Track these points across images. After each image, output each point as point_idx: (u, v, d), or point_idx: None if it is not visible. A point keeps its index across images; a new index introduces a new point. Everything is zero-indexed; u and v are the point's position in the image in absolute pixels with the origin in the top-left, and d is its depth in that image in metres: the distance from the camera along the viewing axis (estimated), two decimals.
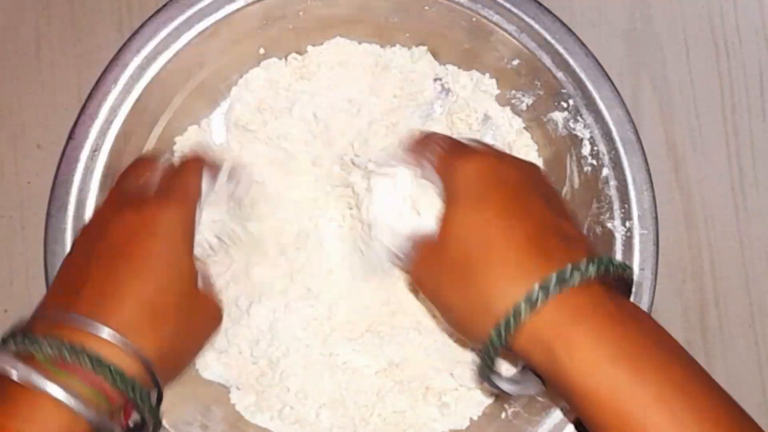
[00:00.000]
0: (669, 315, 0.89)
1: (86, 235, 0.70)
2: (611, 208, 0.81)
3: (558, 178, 0.86)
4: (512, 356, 0.71)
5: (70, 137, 0.80)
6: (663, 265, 0.82)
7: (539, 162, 0.87)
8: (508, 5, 0.81)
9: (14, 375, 0.57)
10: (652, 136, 0.90)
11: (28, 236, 0.87)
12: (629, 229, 0.80)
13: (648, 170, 0.81)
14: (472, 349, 0.80)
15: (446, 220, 0.65)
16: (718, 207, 0.90)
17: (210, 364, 0.82)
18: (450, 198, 0.65)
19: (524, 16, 0.82)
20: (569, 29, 0.82)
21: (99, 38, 0.90)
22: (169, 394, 0.66)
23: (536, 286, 0.57)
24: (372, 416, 0.81)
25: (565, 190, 0.85)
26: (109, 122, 0.80)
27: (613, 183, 0.81)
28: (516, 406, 0.81)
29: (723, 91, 0.92)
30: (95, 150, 0.80)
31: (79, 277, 0.64)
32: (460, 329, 0.68)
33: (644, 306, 0.79)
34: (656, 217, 0.80)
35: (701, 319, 0.89)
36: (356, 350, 0.82)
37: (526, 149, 0.87)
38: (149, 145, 0.84)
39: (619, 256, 0.80)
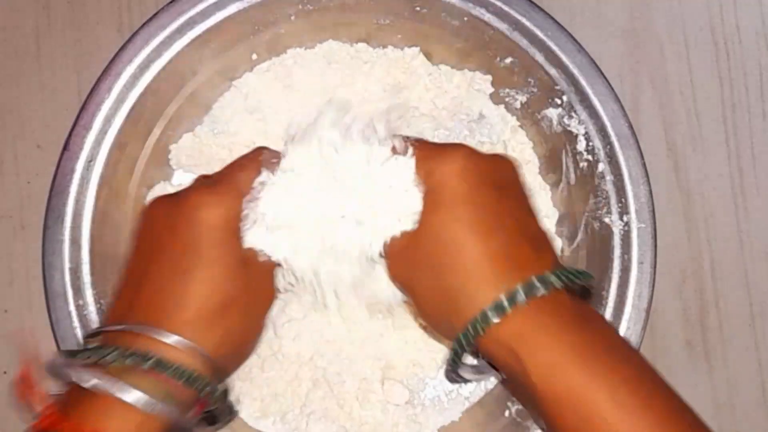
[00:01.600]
0: (669, 314, 0.89)
1: (138, 233, 0.70)
2: (608, 203, 0.81)
3: (554, 175, 0.86)
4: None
5: (64, 148, 0.80)
6: (663, 264, 0.82)
7: (534, 159, 0.87)
8: (499, 4, 0.82)
9: (87, 383, 0.59)
10: (652, 135, 0.91)
11: (28, 236, 0.87)
12: (627, 224, 0.80)
13: (644, 164, 0.81)
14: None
15: (424, 218, 0.66)
16: (718, 206, 0.90)
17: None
18: (428, 195, 0.66)
19: (516, 14, 0.82)
20: (561, 26, 0.82)
21: (99, 38, 0.90)
22: None
23: (503, 297, 0.60)
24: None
25: (562, 187, 0.86)
26: (103, 132, 0.80)
27: (609, 178, 0.81)
28: (519, 404, 0.81)
29: (723, 91, 0.92)
30: (90, 160, 0.80)
31: (133, 285, 0.66)
32: (431, 322, 0.71)
33: (644, 300, 0.79)
34: (653, 211, 0.80)
35: (701, 319, 0.89)
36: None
37: (522, 147, 0.87)
38: (145, 153, 0.84)
39: (617, 251, 0.81)
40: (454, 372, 0.67)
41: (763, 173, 0.91)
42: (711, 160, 0.91)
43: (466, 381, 0.70)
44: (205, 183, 0.69)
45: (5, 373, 0.85)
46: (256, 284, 0.69)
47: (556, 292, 0.61)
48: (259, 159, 0.71)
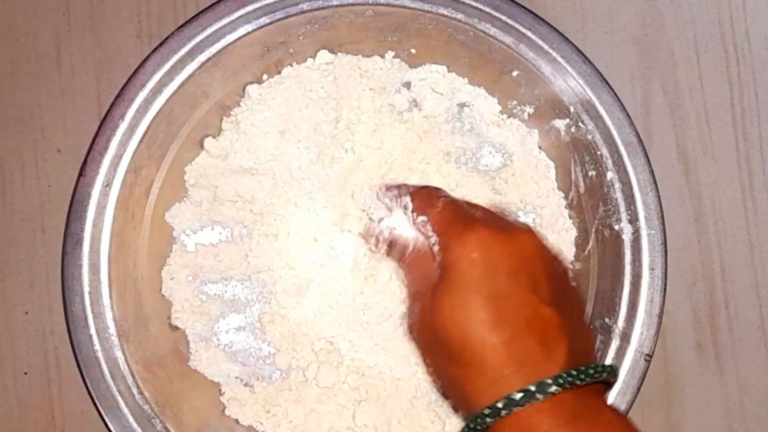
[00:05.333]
0: (679, 317, 0.90)
1: None
2: (618, 211, 0.82)
3: (563, 184, 0.87)
4: None
5: (80, 174, 0.80)
6: (673, 267, 0.84)
7: (550, 166, 0.88)
8: (504, 18, 0.82)
9: None
10: (662, 140, 0.91)
11: (48, 239, 0.88)
12: (637, 230, 0.81)
13: (651, 171, 0.82)
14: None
15: (437, 297, 0.65)
16: (728, 210, 0.91)
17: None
18: (442, 273, 0.66)
19: (521, 27, 0.82)
20: (565, 37, 0.83)
21: (118, 44, 0.91)
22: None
23: (500, 404, 0.59)
24: None
25: (572, 196, 0.86)
26: (118, 157, 0.81)
27: (618, 186, 0.82)
28: None
29: (733, 96, 0.93)
30: (107, 185, 0.81)
31: None
32: (445, 396, 0.76)
33: (656, 306, 0.80)
34: (662, 217, 0.81)
35: (711, 321, 0.90)
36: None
37: (535, 160, 0.88)
38: (160, 176, 0.84)
39: (628, 257, 0.81)
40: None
41: None
42: (721, 164, 0.92)
43: None
44: None
45: (26, 374, 0.87)
46: None
47: (552, 397, 0.60)
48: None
